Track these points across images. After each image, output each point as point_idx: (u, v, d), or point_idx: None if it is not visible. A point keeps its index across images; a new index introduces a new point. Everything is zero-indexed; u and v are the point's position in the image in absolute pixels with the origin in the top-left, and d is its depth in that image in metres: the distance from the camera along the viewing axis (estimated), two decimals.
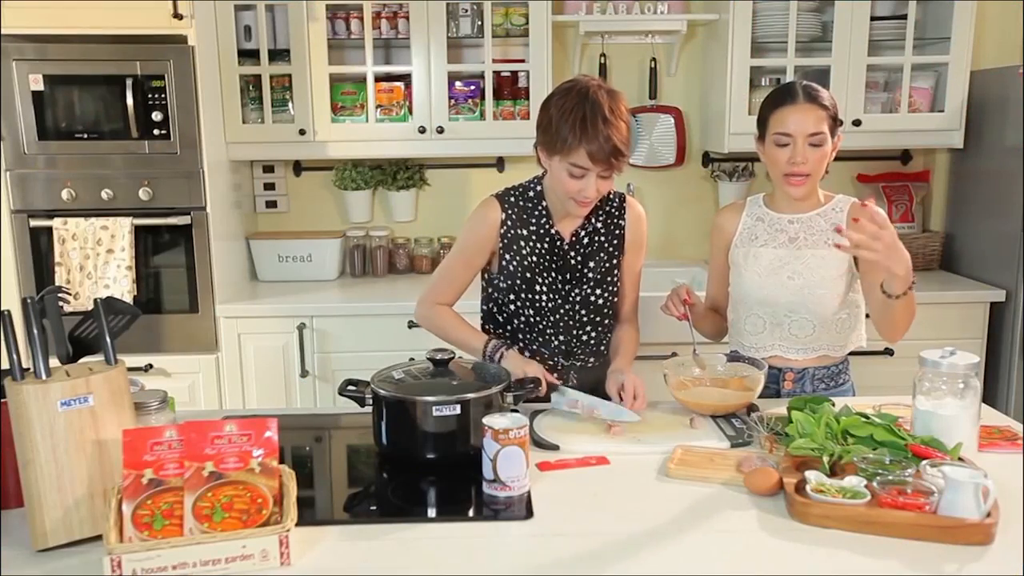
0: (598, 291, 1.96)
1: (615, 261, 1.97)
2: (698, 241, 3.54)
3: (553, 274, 1.93)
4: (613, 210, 1.97)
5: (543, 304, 1.93)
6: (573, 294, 1.94)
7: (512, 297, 1.95)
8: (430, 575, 1.22)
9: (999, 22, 3.35)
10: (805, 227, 1.95)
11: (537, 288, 1.93)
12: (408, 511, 1.44)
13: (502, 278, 1.95)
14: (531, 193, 1.95)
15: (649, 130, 3.43)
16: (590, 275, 1.95)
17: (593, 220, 1.95)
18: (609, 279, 1.96)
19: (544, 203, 1.94)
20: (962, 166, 3.33)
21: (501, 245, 1.93)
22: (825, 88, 3.05)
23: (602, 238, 1.95)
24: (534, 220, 1.93)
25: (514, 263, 1.93)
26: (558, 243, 1.93)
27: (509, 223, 1.93)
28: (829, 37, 3.08)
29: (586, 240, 1.95)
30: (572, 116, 1.74)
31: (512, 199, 1.95)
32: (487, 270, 2.00)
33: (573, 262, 1.94)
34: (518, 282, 1.93)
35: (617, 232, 1.97)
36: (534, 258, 1.92)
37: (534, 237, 1.93)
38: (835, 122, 1.88)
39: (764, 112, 1.92)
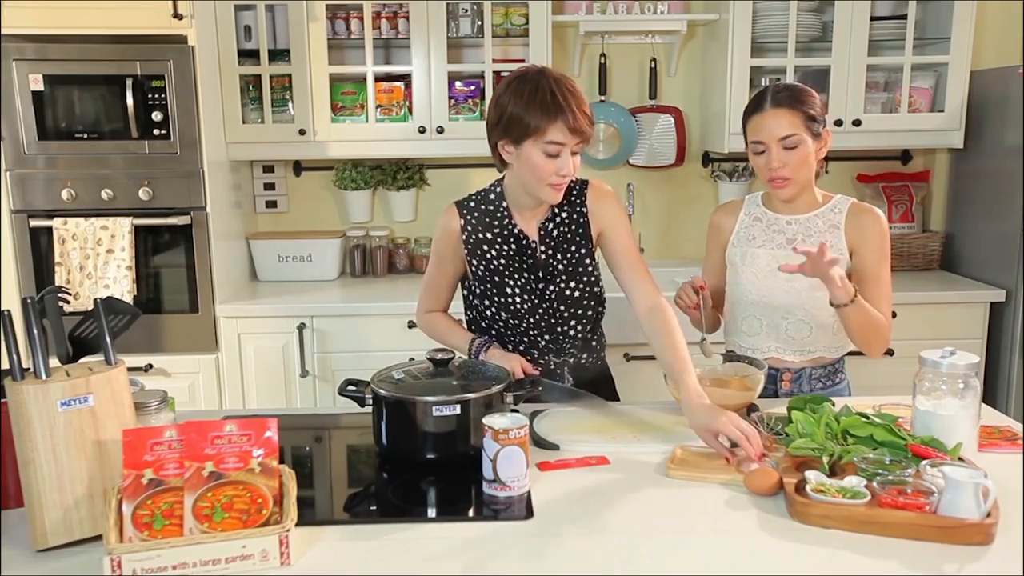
0: (572, 283, 1.93)
1: (584, 251, 1.93)
2: (698, 241, 3.51)
3: (525, 274, 1.92)
4: (575, 198, 1.94)
5: (518, 306, 1.92)
6: (548, 291, 1.92)
7: (487, 302, 1.95)
8: (430, 575, 1.22)
9: (999, 22, 3.35)
10: (803, 228, 1.95)
11: (508, 291, 1.92)
12: (408, 511, 1.44)
13: (476, 284, 1.96)
14: (492, 196, 1.94)
15: (649, 130, 3.43)
16: (560, 268, 1.92)
17: (558, 211, 1.93)
18: (581, 270, 1.93)
19: (505, 204, 1.92)
20: (962, 166, 3.33)
21: (466, 251, 1.93)
22: (824, 88, 3.10)
23: (566, 229, 1.93)
24: (497, 222, 1.92)
25: (482, 267, 1.93)
26: (524, 241, 1.92)
27: (469, 228, 1.92)
28: (829, 37, 3.08)
29: (555, 232, 1.92)
30: (538, 96, 1.74)
31: (471, 204, 1.94)
32: (465, 278, 2.00)
33: (544, 257, 1.92)
34: (488, 286, 1.93)
35: (581, 220, 1.93)
36: (502, 260, 1.91)
37: (499, 240, 1.92)
38: (814, 120, 1.86)
39: (743, 122, 1.95)
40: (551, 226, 1.93)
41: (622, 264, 1.91)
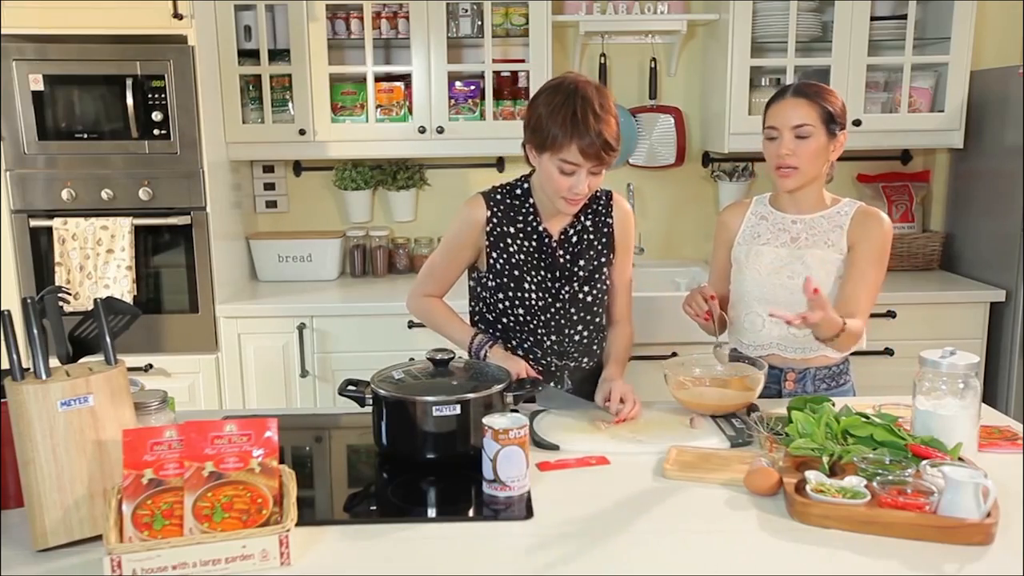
0: (586, 288, 1.94)
1: (604, 259, 1.96)
2: (698, 241, 3.54)
3: (542, 272, 1.93)
4: (600, 208, 1.96)
5: (533, 302, 1.93)
6: (563, 292, 1.93)
7: (501, 296, 1.95)
8: (430, 575, 1.22)
9: (999, 22, 3.35)
10: (808, 227, 1.96)
11: (526, 286, 1.92)
12: (408, 511, 1.44)
13: (490, 276, 1.95)
14: (518, 191, 1.94)
15: (649, 130, 3.43)
16: (580, 273, 1.94)
17: (582, 218, 1.94)
18: (598, 276, 1.96)
19: (531, 201, 1.93)
20: (962, 166, 3.33)
21: (488, 243, 1.92)
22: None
23: (591, 236, 1.95)
24: (521, 218, 1.92)
25: (501, 261, 1.92)
26: (546, 241, 1.92)
27: (495, 220, 1.92)
28: (829, 37, 3.08)
29: (575, 239, 1.94)
30: (562, 112, 1.74)
31: (498, 197, 1.94)
32: (475, 269, 1.99)
33: (562, 260, 1.93)
34: (506, 280, 1.93)
35: (605, 230, 1.96)
36: (522, 256, 1.92)
37: (521, 235, 1.92)
38: (832, 119, 1.88)
39: (764, 110, 1.97)
40: (571, 232, 1.93)
41: (615, 276, 2.00)
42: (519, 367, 1.81)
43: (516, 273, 1.92)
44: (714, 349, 1.91)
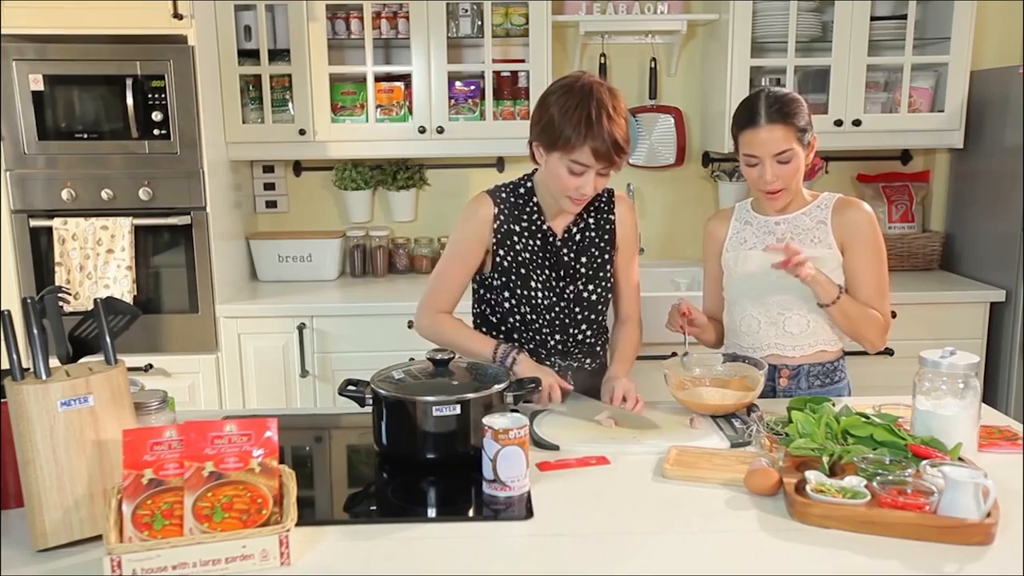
0: (591, 287, 1.95)
1: (607, 257, 1.96)
2: (698, 241, 3.48)
3: (547, 271, 1.93)
4: (603, 206, 1.97)
5: (539, 301, 1.92)
6: (567, 291, 1.94)
7: (507, 295, 1.94)
8: (430, 575, 1.22)
9: (999, 22, 3.35)
10: (792, 227, 1.97)
11: (532, 284, 1.92)
12: (408, 511, 1.44)
13: (496, 275, 1.94)
14: (522, 190, 1.94)
15: (649, 130, 3.43)
16: (583, 271, 1.94)
17: (585, 216, 1.95)
18: (601, 275, 1.96)
19: (535, 199, 1.93)
20: (962, 166, 3.33)
21: (495, 241, 1.92)
22: (824, 88, 3.10)
23: (593, 234, 1.95)
24: (525, 216, 1.92)
25: (508, 259, 1.92)
26: (550, 239, 1.93)
27: (502, 218, 1.92)
28: (829, 37, 3.08)
29: (578, 237, 1.94)
30: (576, 113, 1.73)
31: (503, 195, 1.94)
32: (479, 271, 1.98)
33: (566, 259, 1.94)
34: (513, 278, 1.92)
35: (608, 228, 1.97)
36: (527, 254, 1.92)
37: (526, 234, 1.92)
38: (805, 131, 1.89)
39: (734, 129, 1.95)
40: (575, 230, 1.94)
41: (620, 275, 2.01)
42: (550, 378, 1.80)
43: (522, 271, 1.92)
44: (680, 358, 1.91)
